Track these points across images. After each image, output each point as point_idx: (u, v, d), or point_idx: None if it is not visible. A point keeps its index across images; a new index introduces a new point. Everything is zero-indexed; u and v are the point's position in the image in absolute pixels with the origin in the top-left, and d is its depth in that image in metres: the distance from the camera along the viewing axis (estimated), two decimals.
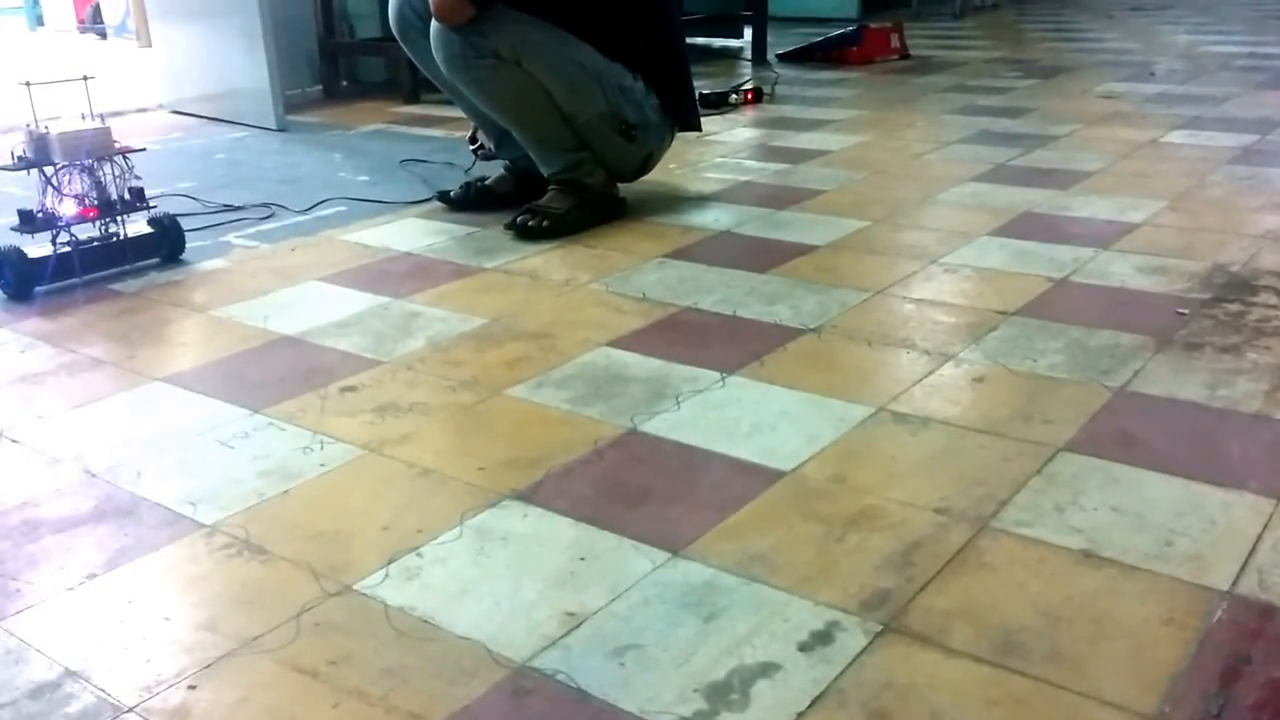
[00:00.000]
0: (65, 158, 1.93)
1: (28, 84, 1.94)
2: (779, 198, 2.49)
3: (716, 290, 1.88)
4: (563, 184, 2.30)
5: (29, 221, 1.94)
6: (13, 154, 1.94)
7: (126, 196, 2.02)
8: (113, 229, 2.04)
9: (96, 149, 1.98)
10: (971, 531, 1.13)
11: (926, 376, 1.51)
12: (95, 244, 2.03)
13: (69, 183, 1.96)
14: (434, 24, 2.18)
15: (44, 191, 1.94)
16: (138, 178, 2.05)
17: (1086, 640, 0.96)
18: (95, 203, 1.99)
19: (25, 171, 1.94)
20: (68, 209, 1.95)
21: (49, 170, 1.94)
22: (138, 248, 2.09)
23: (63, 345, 1.72)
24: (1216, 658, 0.94)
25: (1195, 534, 1.12)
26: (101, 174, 1.98)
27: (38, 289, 1.97)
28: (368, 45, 4.30)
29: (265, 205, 2.52)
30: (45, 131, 1.92)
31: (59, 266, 1.97)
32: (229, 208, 2.52)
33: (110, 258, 2.06)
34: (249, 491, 1.26)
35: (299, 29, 4.03)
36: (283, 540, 1.16)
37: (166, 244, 2.13)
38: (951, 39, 5.56)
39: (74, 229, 1.98)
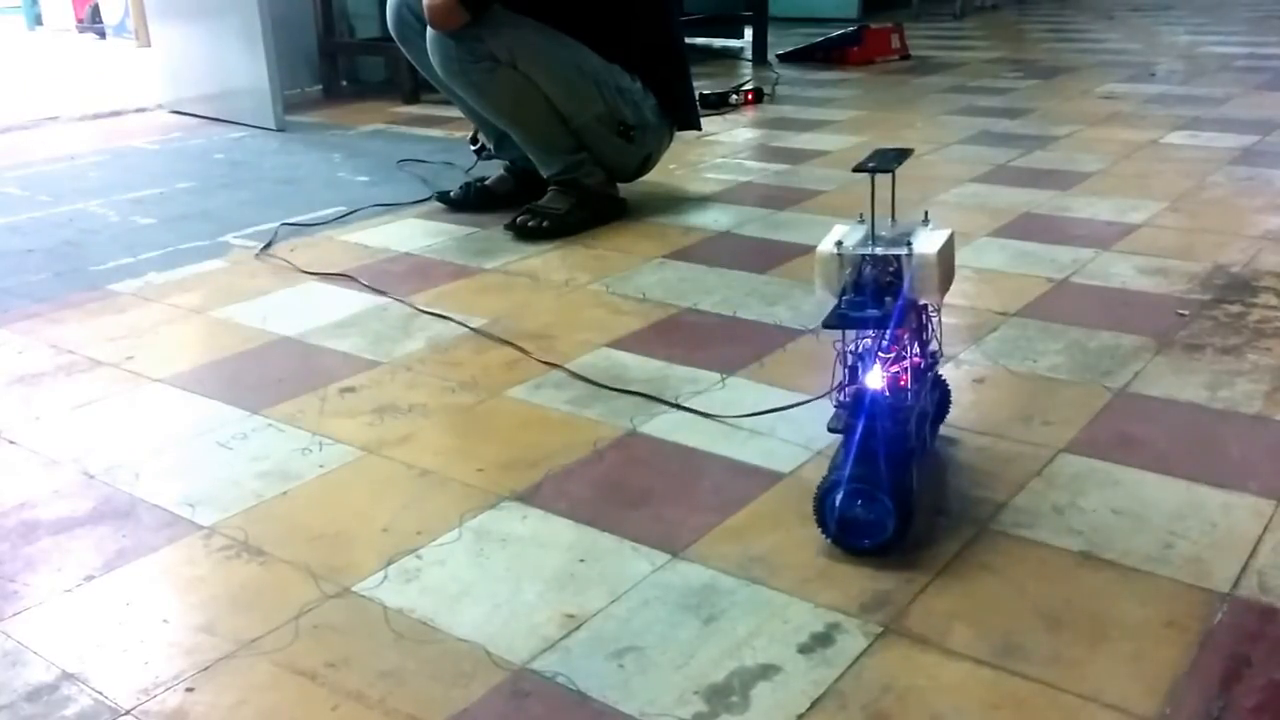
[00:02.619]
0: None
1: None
2: (779, 198, 2.49)
3: (716, 291, 1.88)
4: (562, 185, 2.30)
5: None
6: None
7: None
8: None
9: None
10: (972, 533, 1.13)
11: None
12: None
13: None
14: (429, 30, 2.18)
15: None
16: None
17: (1087, 642, 0.96)
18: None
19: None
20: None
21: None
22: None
23: (61, 346, 1.72)
24: (1217, 659, 0.94)
25: (1195, 536, 1.12)
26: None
27: None
28: (367, 45, 4.30)
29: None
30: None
31: None
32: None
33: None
34: (248, 493, 1.26)
35: (298, 29, 4.03)
36: (281, 542, 1.16)
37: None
38: (952, 39, 5.56)
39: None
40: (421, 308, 1.83)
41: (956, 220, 2.26)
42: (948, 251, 1.13)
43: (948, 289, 1.15)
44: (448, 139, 3.25)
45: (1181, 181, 2.51)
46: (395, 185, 2.72)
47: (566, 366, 1.57)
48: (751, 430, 1.37)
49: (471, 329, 1.73)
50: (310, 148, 3.27)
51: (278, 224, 2.38)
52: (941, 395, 1.33)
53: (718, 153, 3.00)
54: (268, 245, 2.22)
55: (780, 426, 1.38)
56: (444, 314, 1.79)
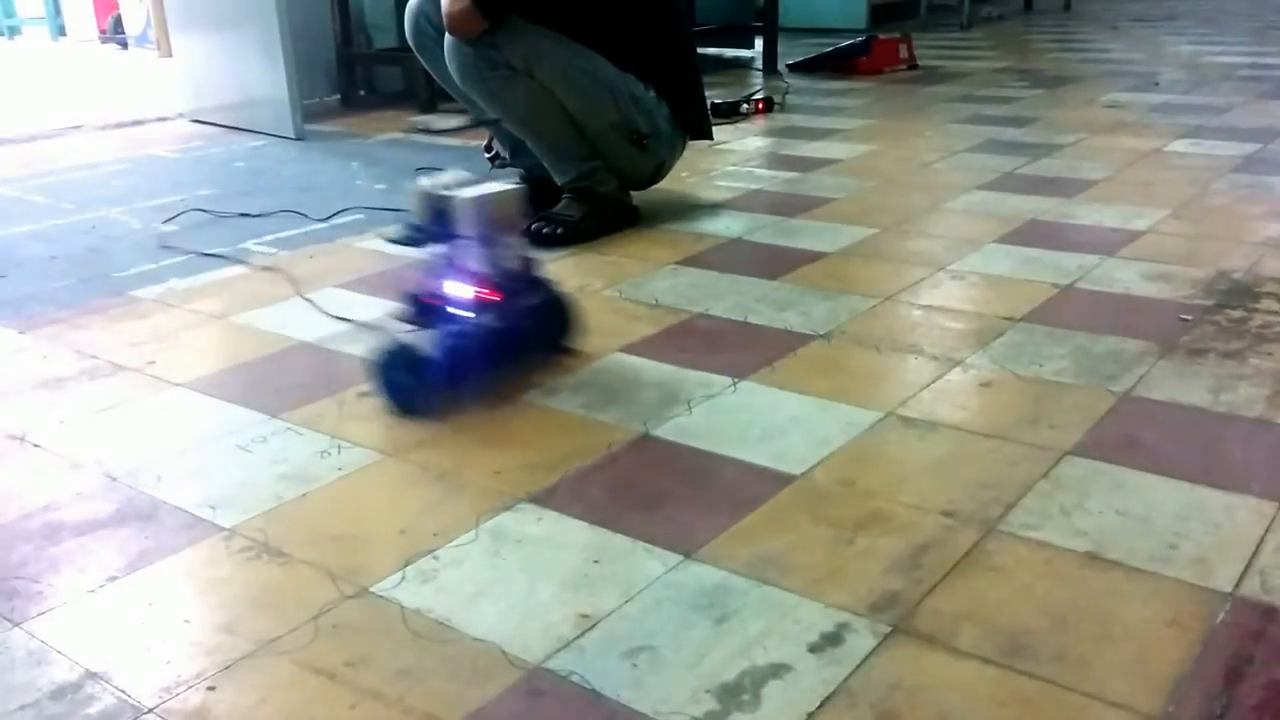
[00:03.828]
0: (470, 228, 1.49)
1: None
2: (789, 205, 2.51)
3: (728, 296, 1.89)
4: (576, 192, 2.32)
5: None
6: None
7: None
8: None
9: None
10: (979, 534, 1.15)
11: (934, 381, 1.53)
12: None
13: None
14: (447, 37, 2.21)
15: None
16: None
17: (1092, 641, 0.97)
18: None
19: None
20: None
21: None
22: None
23: (84, 351, 1.74)
24: (1220, 659, 0.95)
25: (1199, 537, 1.13)
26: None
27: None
28: (385, 55, 4.32)
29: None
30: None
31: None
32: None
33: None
34: (267, 495, 1.28)
35: (317, 39, 4.06)
36: (301, 543, 1.17)
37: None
38: (959, 49, 5.57)
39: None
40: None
41: (964, 227, 2.28)
42: (490, 201, 1.48)
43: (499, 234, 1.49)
44: (464, 148, 3.27)
45: (1185, 189, 2.52)
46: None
47: (571, 378, 1.59)
48: (763, 433, 1.39)
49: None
50: (329, 156, 3.29)
51: (297, 230, 2.41)
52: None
53: (729, 161, 3.02)
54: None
55: (792, 429, 1.39)
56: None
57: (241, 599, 1.08)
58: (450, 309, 1.52)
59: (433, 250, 1.52)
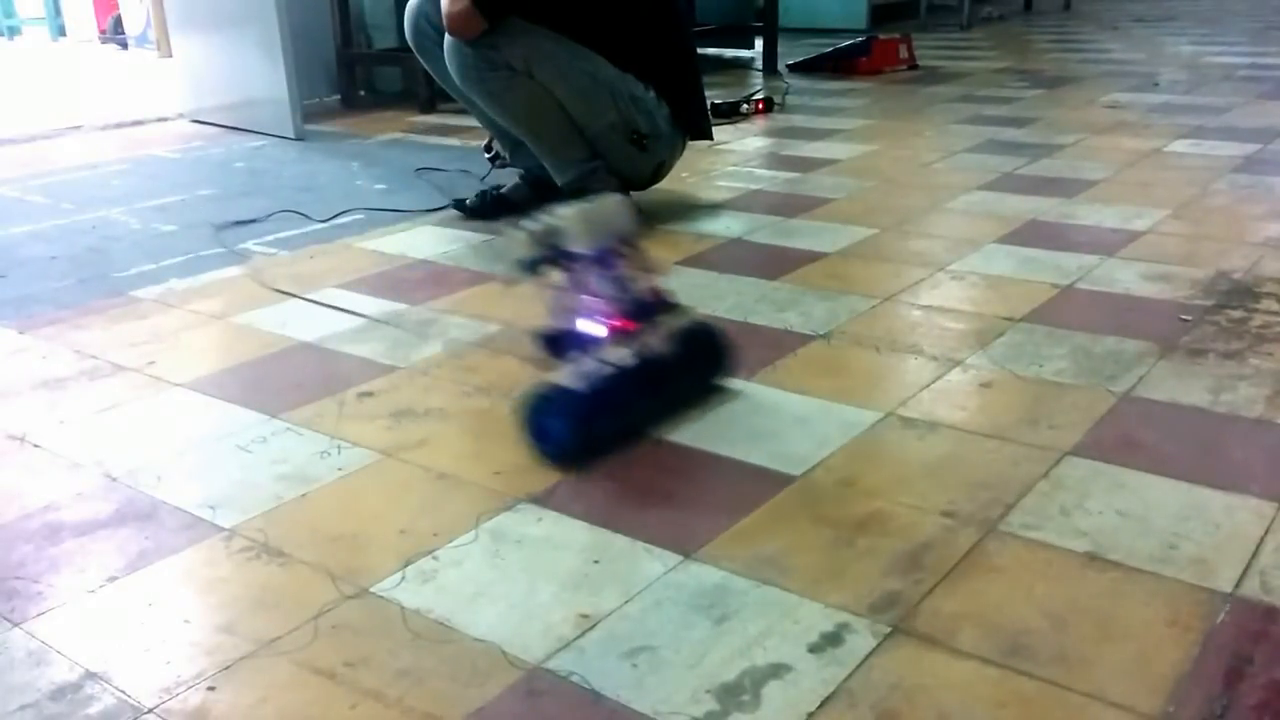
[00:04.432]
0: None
1: None
2: (789, 206, 2.51)
3: (728, 297, 1.89)
4: (576, 193, 2.32)
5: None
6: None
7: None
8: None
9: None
10: (979, 535, 1.15)
11: (934, 382, 1.53)
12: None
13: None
14: (447, 38, 2.21)
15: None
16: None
17: (1092, 642, 0.97)
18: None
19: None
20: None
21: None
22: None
23: (84, 351, 1.74)
24: (1220, 659, 0.95)
25: (1199, 537, 1.13)
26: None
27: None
28: (385, 55, 4.33)
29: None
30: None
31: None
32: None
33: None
34: (267, 495, 1.28)
35: (317, 39, 4.06)
36: (301, 543, 1.17)
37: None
38: (959, 50, 5.57)
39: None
40: (438, 314, 1.85)
41: (964, 227, 2.28)
42: (597, 212, 1.35)
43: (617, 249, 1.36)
44: (464, 148, 3.27)
45: (1184, 189, 2.52)
46: (412, 193, 2.74)
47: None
48: (763, 434, 1.39)
49: (488, 333, 1.75)
50: (329, 156, 3.29)
51: (297, 231, 2.41)
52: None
53: (729, 161, 3.02)
54: (228, 225, 2.25)
55: (791, 430, 1.39)
56: (461, 319, 1.82)
57: (241, 599, 1.08)
58: (586, 343, 1.35)
59: (554, 278, 1.36)
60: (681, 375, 1.44)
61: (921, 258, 2.08)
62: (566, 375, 1.33)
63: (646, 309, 1.38)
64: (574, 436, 1.30)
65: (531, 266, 1.37)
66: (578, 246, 1.34)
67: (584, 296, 1.35)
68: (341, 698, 0.94)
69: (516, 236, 1.36)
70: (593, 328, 1.35)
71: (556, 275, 1.38)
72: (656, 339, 1.39)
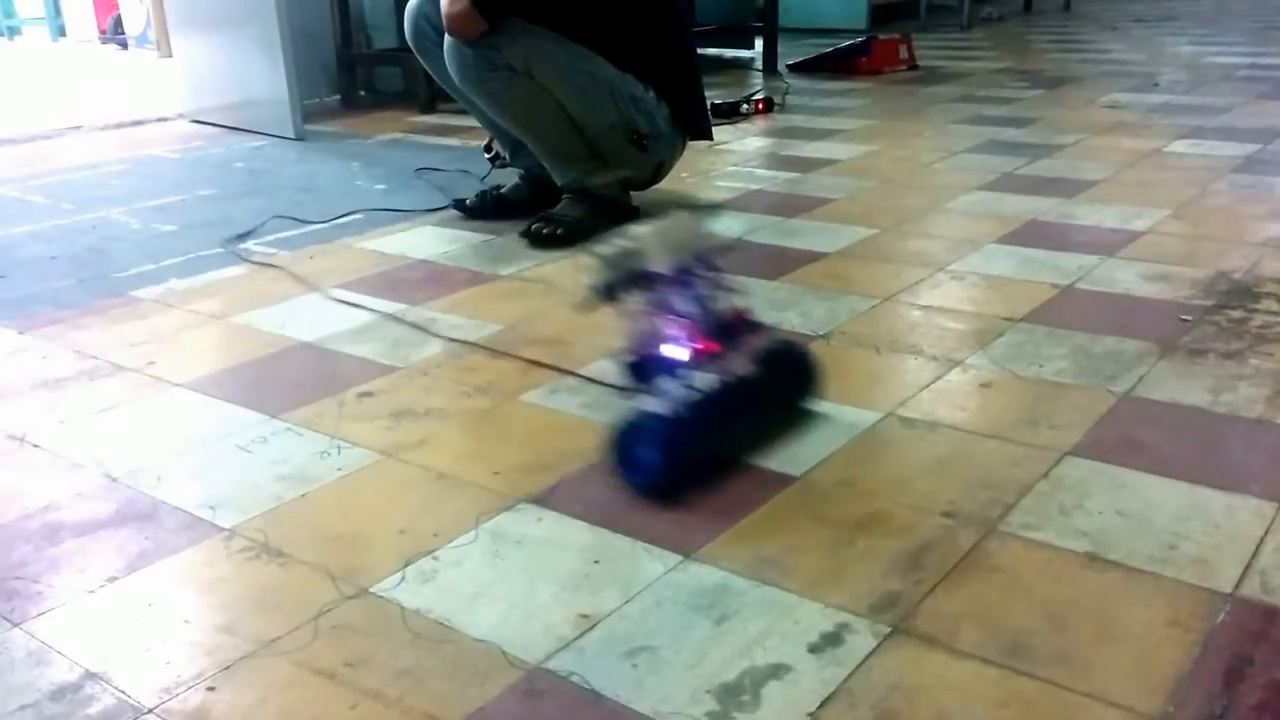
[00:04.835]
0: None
1: None
2: (789, 206, 2.51)
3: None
4: (576, 193, 2.32)
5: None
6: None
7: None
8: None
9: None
10: (979, 535, 1.15)
11: (934, 382, 1.53)
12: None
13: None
14: (447, 38, 2.21)
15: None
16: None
17: (1092, 642, 0.97)
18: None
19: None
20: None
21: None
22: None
23: (84, 351, 1.74)
24: (1220, 659, 0.95)
25: (1199, 537, 1.13)
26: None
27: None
28: (385, 55, 4.33)
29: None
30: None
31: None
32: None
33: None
34: (267, 495, 1.28)
35: (317, 39, 4.06)
36: (301, 544, 1.17)
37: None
38: (959, 50, 5.57)
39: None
40: (437, 314, 1.85)
41: (964, 227, 2.28)
42: (672, 229, 1.29)
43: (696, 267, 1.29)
44: (463, 148, 3.27)
45: (1184, 189, 2.52)
46: (412, 193, 2.75)
47: (579, 373, 1.59)
48: (762, 434, 1.38)
49: (487, 335, 1.75)
50: (329, 156, 3.30)
51: (297, 231, 2.41)
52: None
53: (729, 161, 3.02)
54: (245, 236, 2.24)
55: (791, 429, 1.39)
56: (460, 320, 1.82)
57: (241, 599, 1.08)
58: (672, 368, 1.27)
59: (634, 302, 1.28)
60: (770, 398, 1.39)
61: (921, 258, 2.08)
62: (654, 403, 1.26)
63: (729, 329, 1.32)
64: (666, 467, 1.24)
65: (608, 291, 1.30)
66: (656, 267, 1.27)
67: (665, 319, 1.29)
68: (341, 698, 0.94)
69: (593, 260, 1.30)
70: (676, 351, 1.28)
71: (636, 298, 1.31)
72: (742, 360, 1.33)
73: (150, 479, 1.33)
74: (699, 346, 1.28)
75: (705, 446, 1.28)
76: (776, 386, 1.39)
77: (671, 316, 1.28)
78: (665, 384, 1.27)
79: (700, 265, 1.29)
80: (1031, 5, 7.80)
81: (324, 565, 1.13)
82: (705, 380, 1.28)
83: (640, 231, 1.27)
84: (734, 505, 1.22)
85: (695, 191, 2.67)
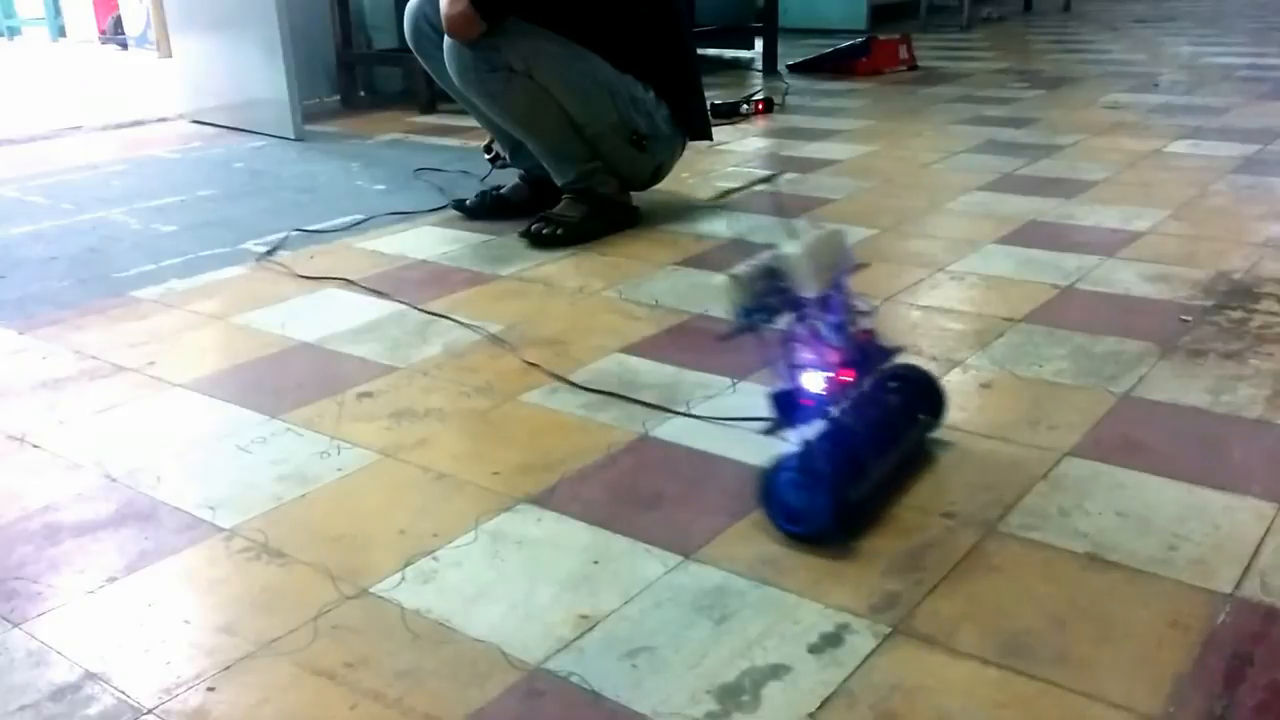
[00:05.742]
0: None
1: None
2: (789, 206, 2.51)
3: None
4: (576, 193, 2.32)
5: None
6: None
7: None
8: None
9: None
10: (979, 535, 1.15)
11: None
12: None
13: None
14: (447, 39, 2.21)
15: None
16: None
17: (1092, 642, 0.97)
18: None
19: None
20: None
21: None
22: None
23: (84, 351, 1.74)
24: (1220, 660, 0.95)
25: (1199, 538, 1.13)
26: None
27: None
28: (385, 56, 4.33)
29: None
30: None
31: None
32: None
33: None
34: (267, 496, 1.28)
35: (317, 40, 4.06)
36: (300, 544, 1.17)
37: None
38: (958, 50, 5.57)
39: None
40: (438, 313, 1.85)
41: (964, 227, 2.28)
42: (820, 248, 1.15)
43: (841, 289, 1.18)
44: (463, 148, 3.27)
45: (1184, 190, 2.52)
46: (412, 194, 2.75)
47: (571, 377, 1.59)
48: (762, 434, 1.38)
49: (488, 334, 1.75)
50: (329, 157, 3.30)
51: (297, 231, 2.41)
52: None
53: (729, 161, 3.02)
54: (274, 251, 2.24)
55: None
56: (460, 320, 1.82)
57: (241, 599, 1.08)
58: (817, 401, 1.17)
59: (777, 327, 1.16)
60: (911, 427, 1.33)
61: (921, 258, 2.08)
62: (804, 443, 1.17)
63: (866, 355, 1.23)
64: (832, 515, 1.14)
65: (751, 315, 1.16)
66: (803, 289, 1.14)
67: (808, 346, 1.18)
68: (341, 698, 0.94)
69: (732, 282, 1.15)
70: (819, 382, 1.17)
71: (780, 323, 1.18)
72: (880, 389, 1.27)
73: (150, 479, 1.33)
74: (840, 376, 1.18)
75: (862, 486, 1.20)
76: (914, 414, 1.34)
77: (813, 344, 1.17)
78: (812, 419, 1.18)
79: (840, 286, 1.19)
80: (1031, 5, 7.80)
81: (324, 565, 1.13)
82: (851, 413, 1.21)
83: (789, 250, 1.14)
84: (734, 505, 1.22)
85: (695, 191, 2.67)
